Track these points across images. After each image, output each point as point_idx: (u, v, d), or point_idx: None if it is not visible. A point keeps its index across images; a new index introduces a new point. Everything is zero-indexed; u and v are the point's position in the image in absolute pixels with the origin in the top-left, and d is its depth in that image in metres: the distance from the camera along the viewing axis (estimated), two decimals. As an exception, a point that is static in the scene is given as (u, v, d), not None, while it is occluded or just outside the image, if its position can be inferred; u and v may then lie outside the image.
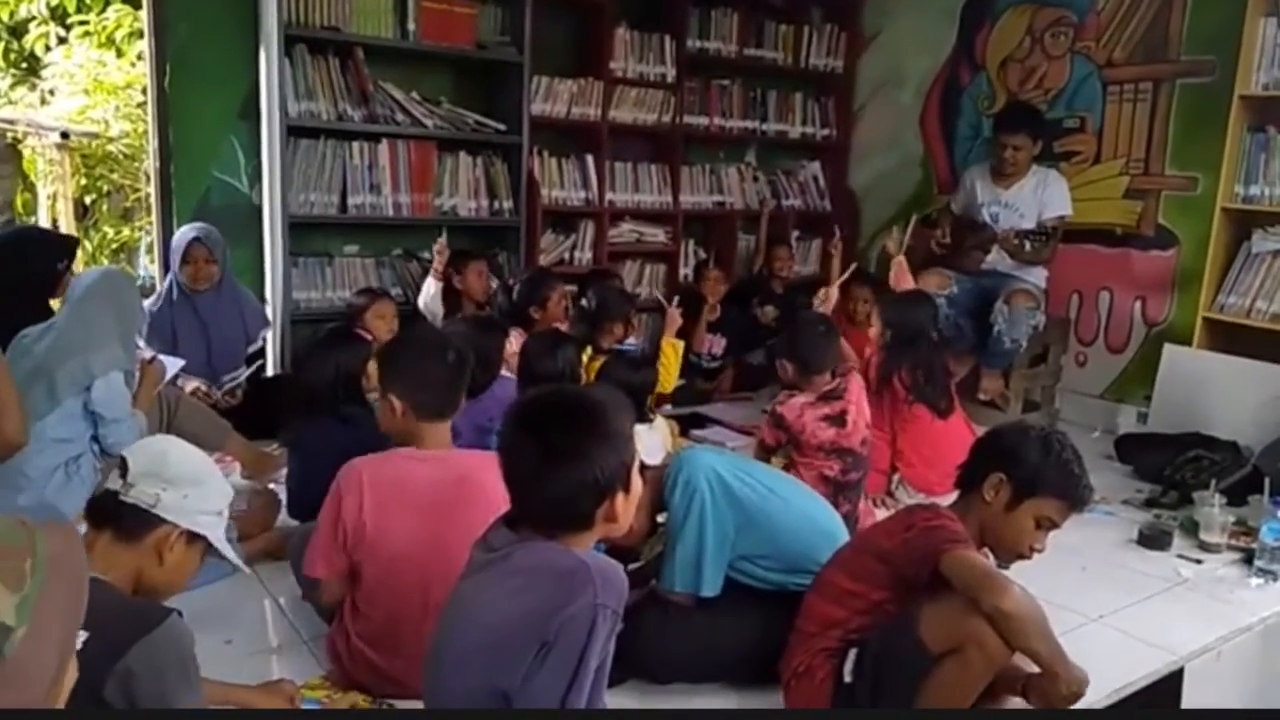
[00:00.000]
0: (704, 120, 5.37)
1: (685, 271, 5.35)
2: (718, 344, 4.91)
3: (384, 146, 4.38)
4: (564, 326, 3.77)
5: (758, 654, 2.13)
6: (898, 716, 1.90)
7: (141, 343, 3.19)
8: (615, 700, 1.89)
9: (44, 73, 6.04)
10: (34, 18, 5.86)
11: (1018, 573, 1.90)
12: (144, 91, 4.67)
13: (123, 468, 1.57)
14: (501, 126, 4.62)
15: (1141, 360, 4.47)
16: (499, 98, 4.68)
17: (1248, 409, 3.78)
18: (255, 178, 4.30)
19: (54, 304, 3.26)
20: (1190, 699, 2.41)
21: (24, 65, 6.12)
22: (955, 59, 5.22)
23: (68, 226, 5.78)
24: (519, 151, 4.64)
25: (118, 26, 5.77)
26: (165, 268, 3.97)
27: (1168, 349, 4.22)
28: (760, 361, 4.80)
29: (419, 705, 1.62)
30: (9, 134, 5.97)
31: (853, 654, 1.92)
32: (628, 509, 1.45)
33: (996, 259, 4.31)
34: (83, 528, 1.56)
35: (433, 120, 4.48)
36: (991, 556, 1.99)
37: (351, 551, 2.00)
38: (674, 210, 5.27)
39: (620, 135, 5.07)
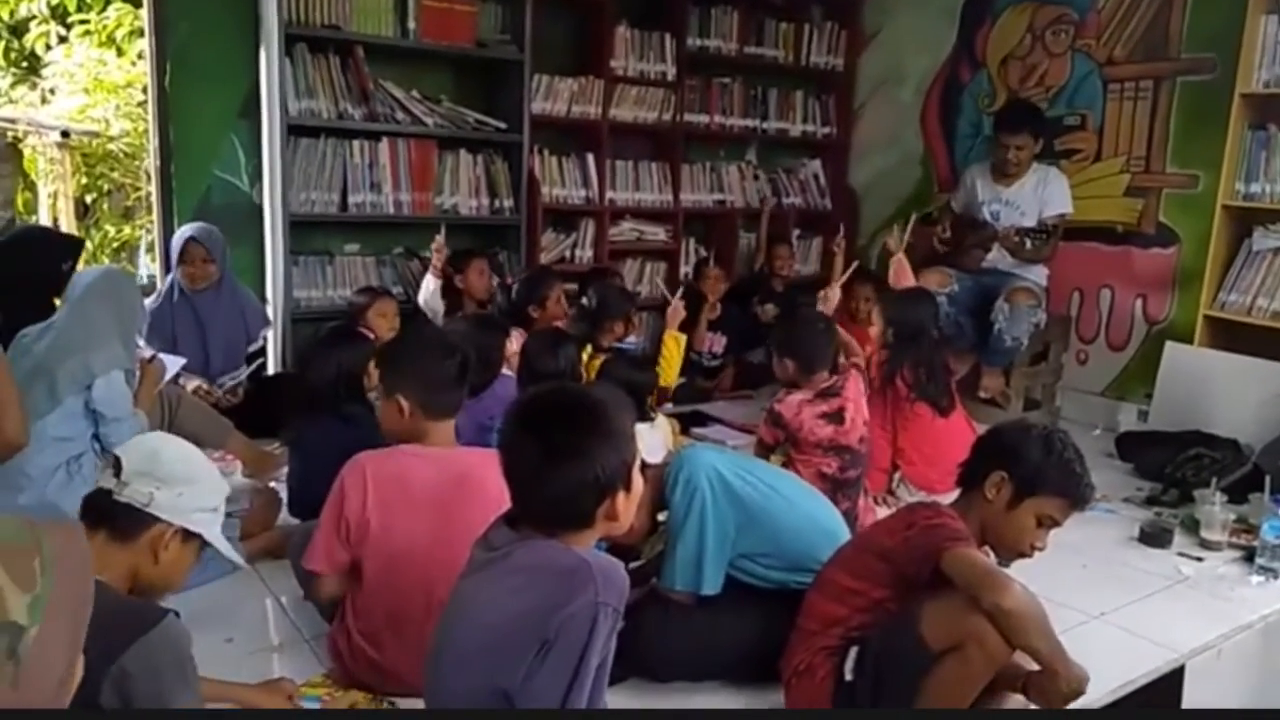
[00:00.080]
0: (704, 118, 5.37)
1: (686, 270, 5.33)
2: (718, 342, 4.91)
3: (384, 145, 4.38)
4: (563, 325, 3.77)
5: (758, 652, 2.13)
6: (898, 716, 1.90)
7: (142, 342, 3.19)
8: (616, 698, 1.89)
9: (44, 71, 6.03)
10: (34, 17, 5.85)
11: (1018, 570, 1.90)
12: (144, 90, 4.67)
13: (116, 466, 1.57)
14: (502, 125, 4.62)
15: (1142, 358, 4.46)
16: (499, 96, 4.68)
17: (1248, 407, 3.78)
18: (256, 176, 4.31)
19: (58, 303, 3.26)
20: (1191, 697, 2.41)
21: (24, 64, 6.10)
22: (956, 57, 5.22)
23: (68, 225, 5.78)
24: (519, 150, 4.64)
25: (118, 25, 5.77)
26: (166, 267, 3.97)
27: (1169, 347, 4.22)
28: (761, 360, 4.77)
29: (421, 703, 1.61)
30: (9, 133, 5.96)
31: (854, 652, 1.92)
32: (629, 507, 1.45)
33: (997, 257, 4.30)
34: (82, 528, 1.56)
35: (433, 119, 4.48)
36: (992, 555, 1.99)
37: (354, 548, 2.00)
38: (674, 209, 5.27)
39: (621, 133, 5.07)
